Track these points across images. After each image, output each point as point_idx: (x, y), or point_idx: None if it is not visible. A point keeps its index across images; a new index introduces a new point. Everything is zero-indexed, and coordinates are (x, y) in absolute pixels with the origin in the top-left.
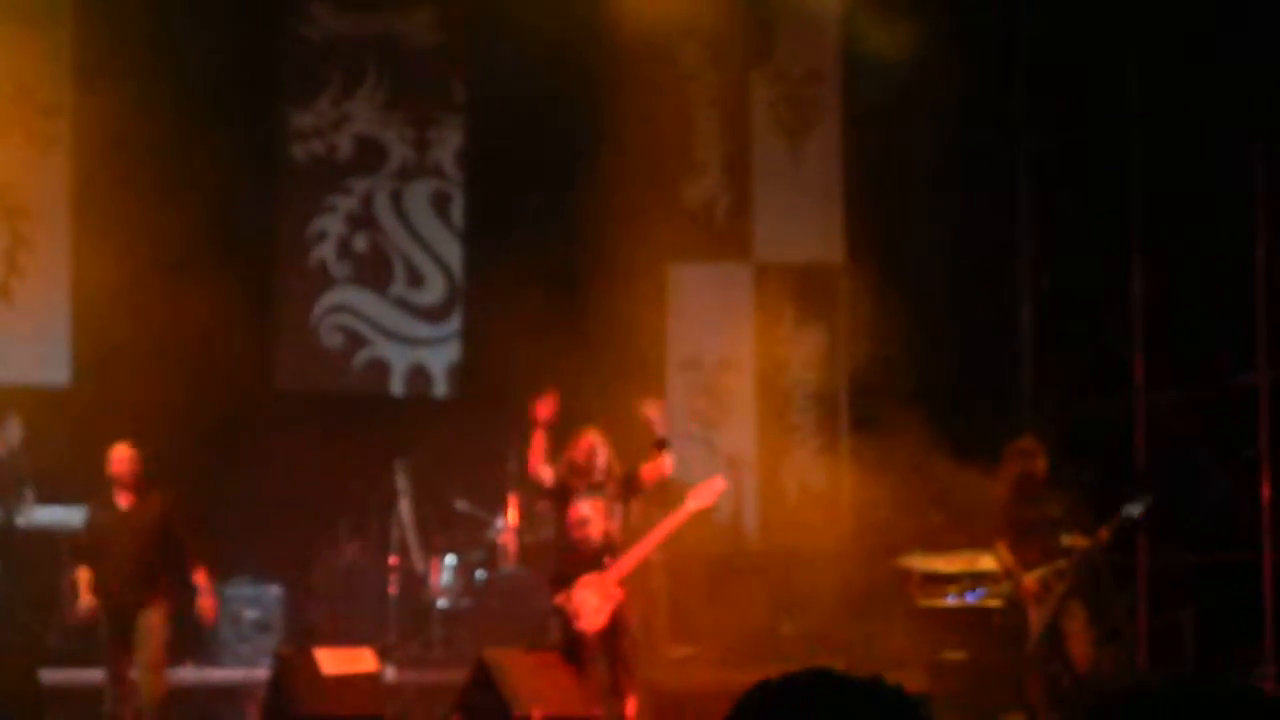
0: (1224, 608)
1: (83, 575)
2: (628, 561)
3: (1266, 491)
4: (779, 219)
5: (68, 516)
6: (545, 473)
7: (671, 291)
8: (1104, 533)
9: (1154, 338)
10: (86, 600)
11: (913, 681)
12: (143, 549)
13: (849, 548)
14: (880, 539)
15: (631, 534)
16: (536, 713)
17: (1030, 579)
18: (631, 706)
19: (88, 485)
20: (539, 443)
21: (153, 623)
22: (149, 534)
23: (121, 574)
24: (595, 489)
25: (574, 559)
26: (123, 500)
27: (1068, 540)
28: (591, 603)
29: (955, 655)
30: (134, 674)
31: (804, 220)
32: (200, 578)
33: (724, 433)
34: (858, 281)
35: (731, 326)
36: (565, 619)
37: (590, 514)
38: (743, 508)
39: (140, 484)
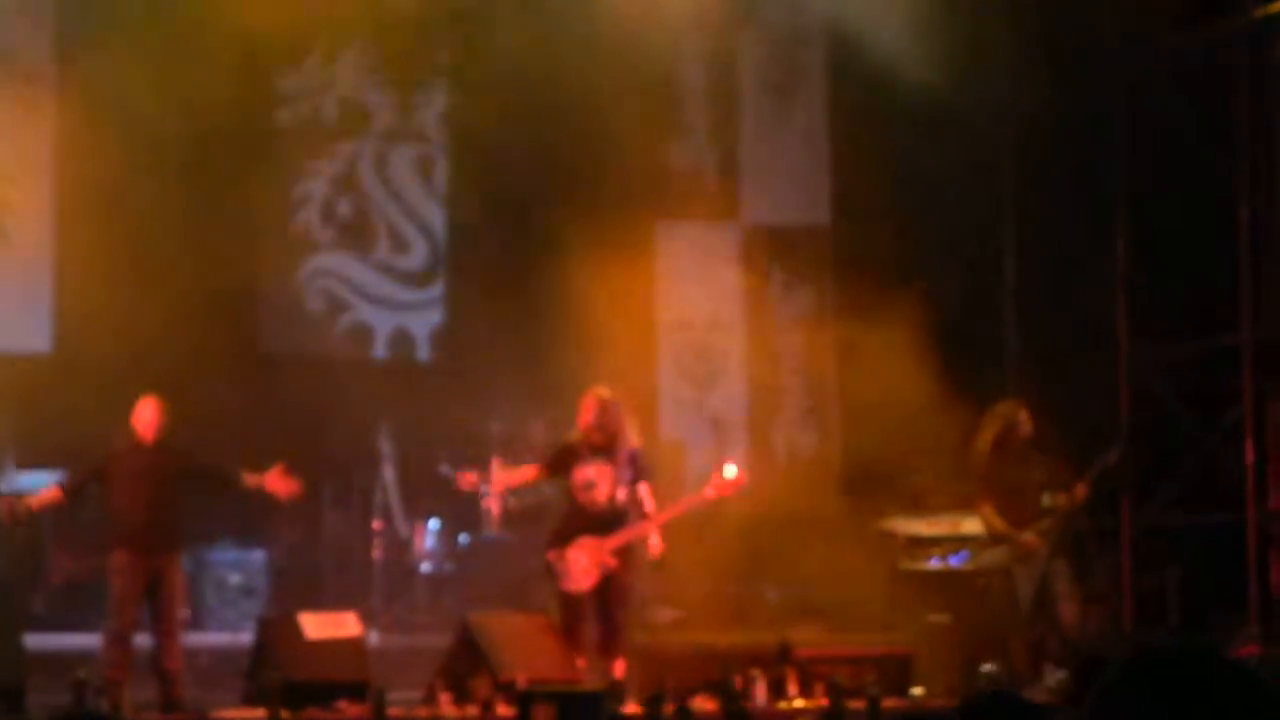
0: (1208, 569)
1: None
2: (628, 533)
3: (1250, 452)
4: (767, 180)
5: (52, 480)
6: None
7: (660, 253)
8: (1081, 489)
9: (1137, 298)
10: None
11: (897, 645)
12: (170, 497)
13: (837, 510)
14: (868, 501)
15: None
16: (521, 677)
17: (1030, 536)
18: (619, 668)
19: (70, 450)
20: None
21: (178, 579)
22: (173, 484)
23: (150, 520)
24: (601, 451)
25: (576, 520)
26: (147, 448)
27: (1049, 501)
28: (581, 564)
29: (939, 618)
30: (133, 636)
31: (792, 181)
32: (251, 479)
33: (713, 394)
34: (845, 242)
35: (720, 287)
36: (554, 577)
37: (596, 478)
38: None
39: (163, 436)
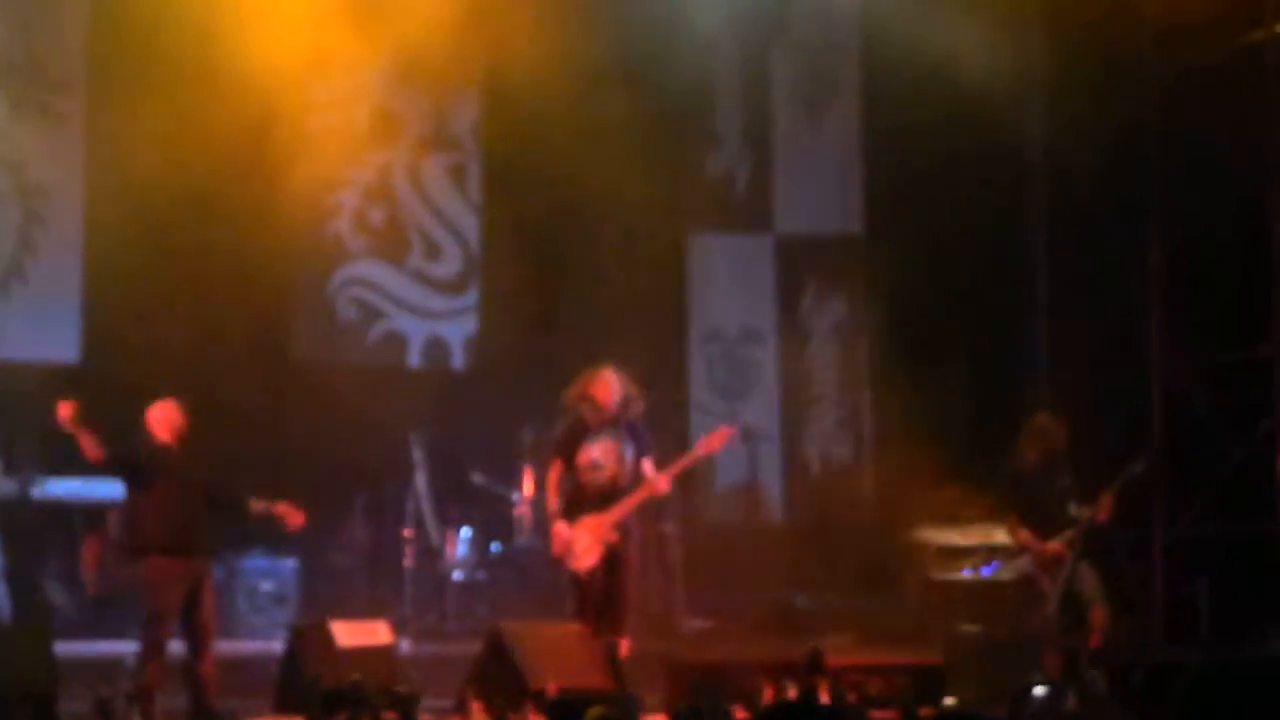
0: (1240, 578)
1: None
2: (627, 504)
3: None
4: (799, 191)
5: (82, 489)
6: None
7: (692, 264)
8: (1107, 499)
9: (1170, 308)
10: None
11: (928, 655)
12: (201, 502)
13: (870, 520)
14: (901, 511)
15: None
16: (552, 685)
17: (1054, 545)
18: (624, 646)
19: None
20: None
21: (210, 583)
22: (201, 489)
23: (187, 526)
24: (609, 426)
25: (580, 499)
26: (173, 453)
27: (1075, 510)
28: (583, 542)
29: (970, 628)
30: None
31: (824, 192)
32: (258, 506)
33: (746, 405)
34: (877, 253)
35: (752, 298)
36: (560, 557)
37: (602, 457)
38: (765, 480)
39: (184, 440)
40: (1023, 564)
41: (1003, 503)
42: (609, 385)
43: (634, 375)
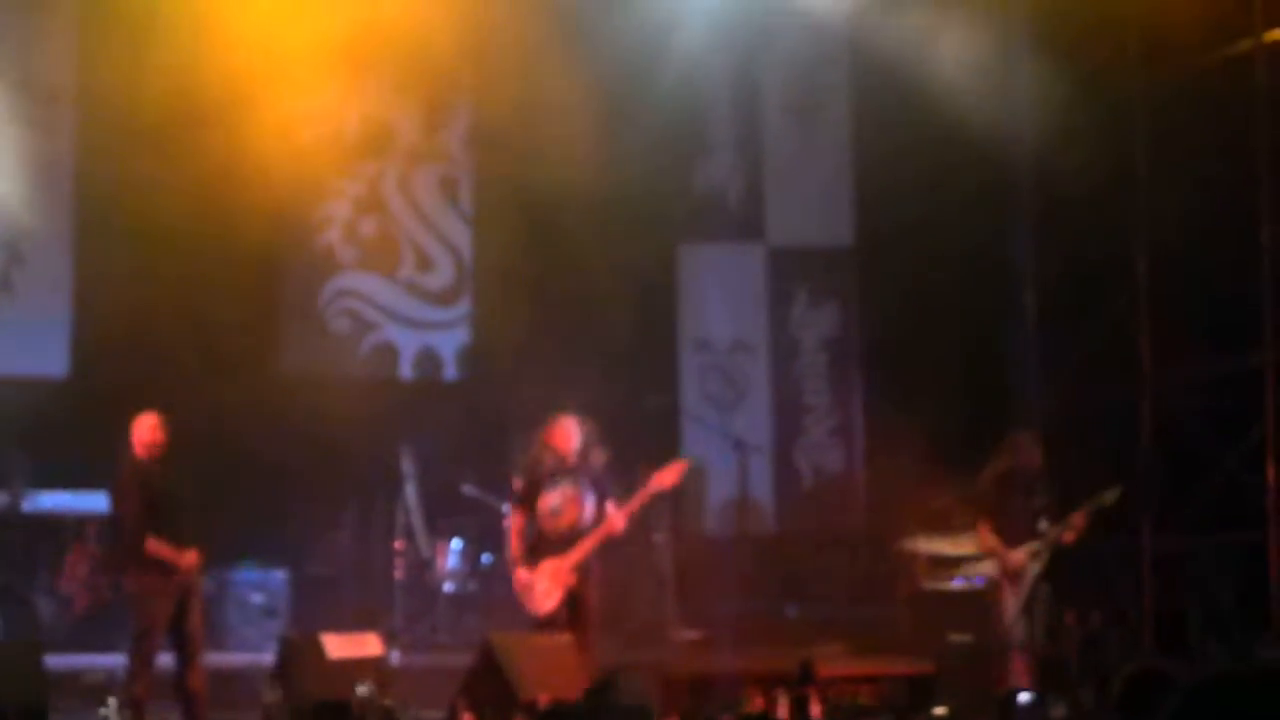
0: (1229, 589)
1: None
2: (585, 546)
3: (1272, 473)
4: (790, 201)
5: (73, 501)
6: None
7: (683, 274)
8: (1078, 520)
9: (1160, 319)
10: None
11: (919, 665)
12: (189, 514)
13: (861, 530)
14: (892, 521)
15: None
16: (542, 697)
17: (1018, 554)
18: None
19: (86, 474)
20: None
21: (198, 596)
22: (187, 500)
23: (183, 537)
24: (568, 474)
25: (540, 544)
26: (158, 468)
27: (1044, 527)
28: (542, 586)
29: (960, 637)
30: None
31: (815, 202)
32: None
33: (737, 416)
34: (868, 264)
35: (744, 309)
36: (522, 602)
37: (561, 504)
38: (756, 491)
39: (167, 453)
40: (986, 569)
41: (974, 510)
42: (567, 433)
43: (596, 427)
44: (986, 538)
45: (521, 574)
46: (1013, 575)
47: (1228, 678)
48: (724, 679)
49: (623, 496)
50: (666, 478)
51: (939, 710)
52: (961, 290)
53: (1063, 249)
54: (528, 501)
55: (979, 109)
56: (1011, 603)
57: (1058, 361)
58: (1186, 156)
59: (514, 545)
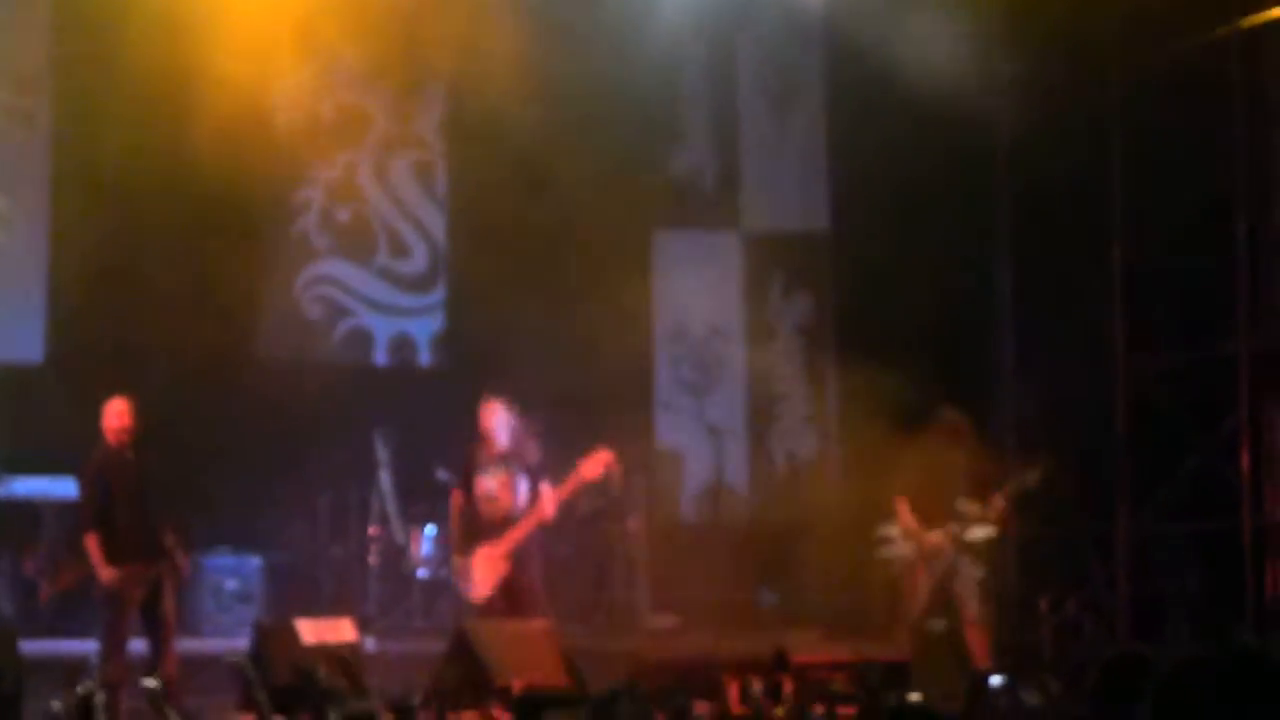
0: (1204, 576)
1: (92, 541)
2: (516, 533)
3: (1246, 460)
4: (765, 187)
5: (48, 487)
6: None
7: (658, 260)
8: (998, 502)
9: (1134, 306)
10: (106, 571)
11: (894, 651)
12: (158, 502)
13: (836, 516)
14: (867, 508)
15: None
16: (516, 683)
17: (933, 536)
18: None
19: (61, 459)
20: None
21: (171, 582)
22: (159, 486)
23: (147, 525)
24: (501, 461)
25: (476, 529)
26: (128, 454)
27: (962, 506)
28: (479, 572)
29: (937, 624)
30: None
31: (790, 188)
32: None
33: (712, 402)
34: (844, 250)
35: (719, 295)
36: (458, 586)
37: (497, 489)
38: (731, 477)
39: (137, 438)
40: (905, 549)
41: (897, 489)
42: (493, 415)
43: (532, 423)
44: (905, 518)
45: (457, 560)
46: (928, 556)
47: (1204, 663)
48: (698, 666)
49: (558, 484)
50: (590, 469)
51: (914, 697)
52: (937, 277)
53: (1039, 235)
54: (465, 484)
55: (955, 95)
56: (924, 584)
57: (1033, 348)
58: (1163, 144)
59: (453, 528)
